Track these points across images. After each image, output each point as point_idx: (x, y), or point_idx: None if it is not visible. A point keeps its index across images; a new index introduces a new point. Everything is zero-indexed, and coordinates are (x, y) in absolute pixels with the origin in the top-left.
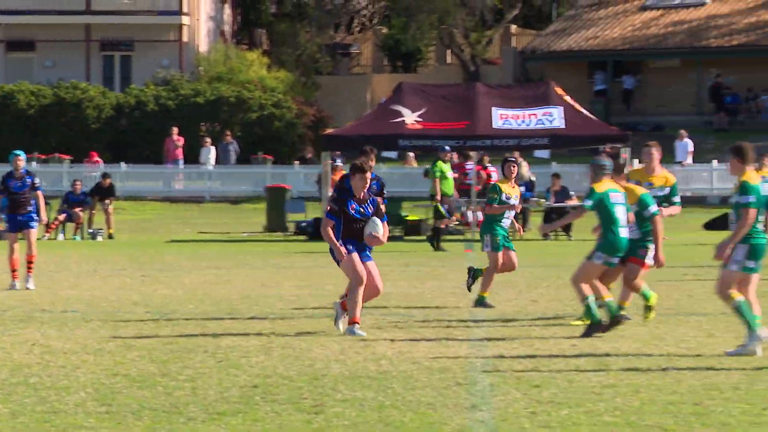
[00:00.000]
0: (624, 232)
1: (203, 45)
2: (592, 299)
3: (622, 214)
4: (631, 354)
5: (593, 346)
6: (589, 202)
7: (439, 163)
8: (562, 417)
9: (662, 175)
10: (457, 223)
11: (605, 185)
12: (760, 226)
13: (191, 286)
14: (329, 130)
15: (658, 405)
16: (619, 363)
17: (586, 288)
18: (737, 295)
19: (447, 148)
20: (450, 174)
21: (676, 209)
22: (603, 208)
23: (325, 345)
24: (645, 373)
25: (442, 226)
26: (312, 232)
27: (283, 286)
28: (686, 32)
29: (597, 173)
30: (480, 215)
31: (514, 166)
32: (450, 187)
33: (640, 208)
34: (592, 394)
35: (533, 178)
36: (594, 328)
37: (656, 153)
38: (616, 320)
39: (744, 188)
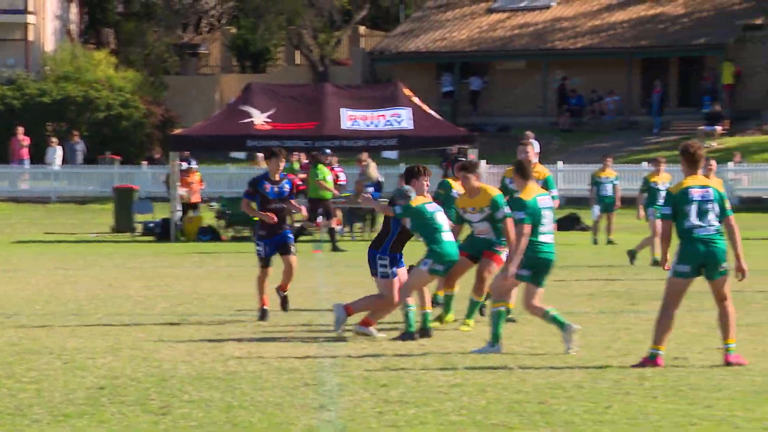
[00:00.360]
0: (448, 237)
1: (49, 44)
2: (413, 309)
3: (442, 219)
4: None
5: (440, 346)
6: (399, 210)
7: (320, 166)
8: (410, 416)
9: (536, 170)
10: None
11: (418, 200)
12: (545, 238)
13: (37, 286)
14: (177, 130)
15: (504, 404)
16: (466, 362)
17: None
18: (502, 304)
19: (327, 151)
20: (329, 177)
21: (554, 203)
22: (421, 219)
23: (173, 346)
24: (491, 372)
25: (334, 226)
26: (160, 232)
27: (131, 287)
28: (532, 34)
29: (406, 200)
30: None
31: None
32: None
33: (492, 210)
34: (439, 393)
35: (381, 179)
36: (408, 336)
37: (531, 149)
38: (426, 332)
39: (516, 204)
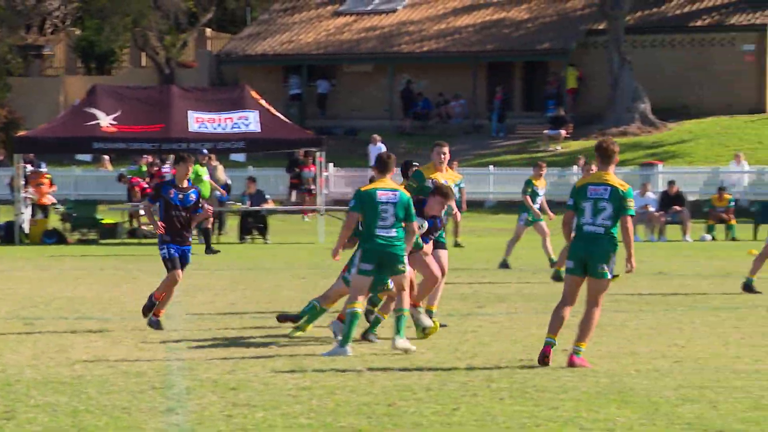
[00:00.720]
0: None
1: None
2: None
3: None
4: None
5: (290, 349)
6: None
7: (196, 166)
8: (258, 419)
9: (452, 174)
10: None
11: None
12: (382, 232)
13: None
14: (21, 132)
15: (353, 406)
16: (315, 365)
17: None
18: (358, 306)
19: (205, 151)
20: (206, 177)
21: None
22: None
23: (18, 350)
24: (340, 374)
25: (208, 226)
26: (4, 235)
27: None
28: (379, 38)
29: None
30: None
31: (443, 154)
32: (207, 190)
33: None
34: (288, 397)
35: (229, 182)
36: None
37: (448, 153)
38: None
39: (354, 194)
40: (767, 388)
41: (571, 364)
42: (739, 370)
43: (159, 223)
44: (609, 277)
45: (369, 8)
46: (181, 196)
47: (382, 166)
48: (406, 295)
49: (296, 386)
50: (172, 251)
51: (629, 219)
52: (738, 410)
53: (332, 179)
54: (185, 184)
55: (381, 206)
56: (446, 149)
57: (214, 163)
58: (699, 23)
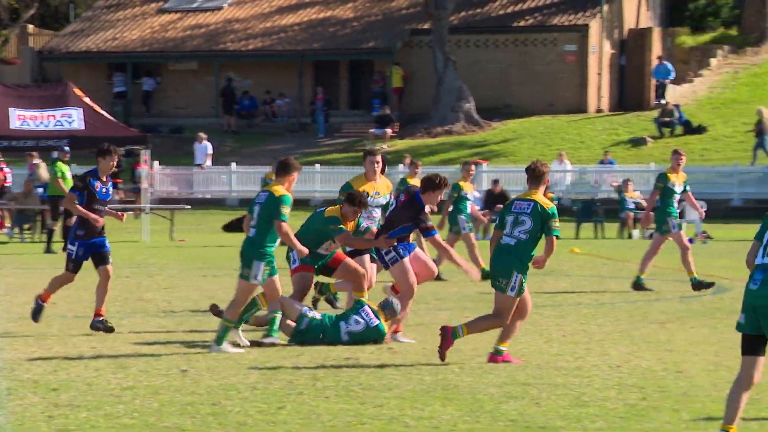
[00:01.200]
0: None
1: None
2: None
3: None
4: (150, 355)
5: (113, 349)
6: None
7: (59, 164)
8: (81, 420)
9: (384, 184)
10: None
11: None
12: (250, 233)
13: None
14: None
15: (177, 406)
16: (139, 365)
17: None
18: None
19: (66, 148)
20: (69, 174)
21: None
22: None
23: None
24: (164, 374)
25: (54, 228)
26: None
27: None
28: (204, 36)
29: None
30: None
31: (377, 164)
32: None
33: None
34: (111, 397)
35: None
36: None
37: (381, 160)
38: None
39: None
40: (588, 384)
41: (492, 361)
42: (561, 367)
43: (96, 217)
44: (511, 294)
45: (194, 6)
46: (104, 189)
47: (276, 169)
48: (236, 307)
49: (119, 386)
50: (81, 252)
51: (554, 239)
52: (560, 407)
53: (157, 177)
54: (105, 177)
55: (254, 206)
56: (379, 158)
57: (37, 161)
58: (522, 23)
